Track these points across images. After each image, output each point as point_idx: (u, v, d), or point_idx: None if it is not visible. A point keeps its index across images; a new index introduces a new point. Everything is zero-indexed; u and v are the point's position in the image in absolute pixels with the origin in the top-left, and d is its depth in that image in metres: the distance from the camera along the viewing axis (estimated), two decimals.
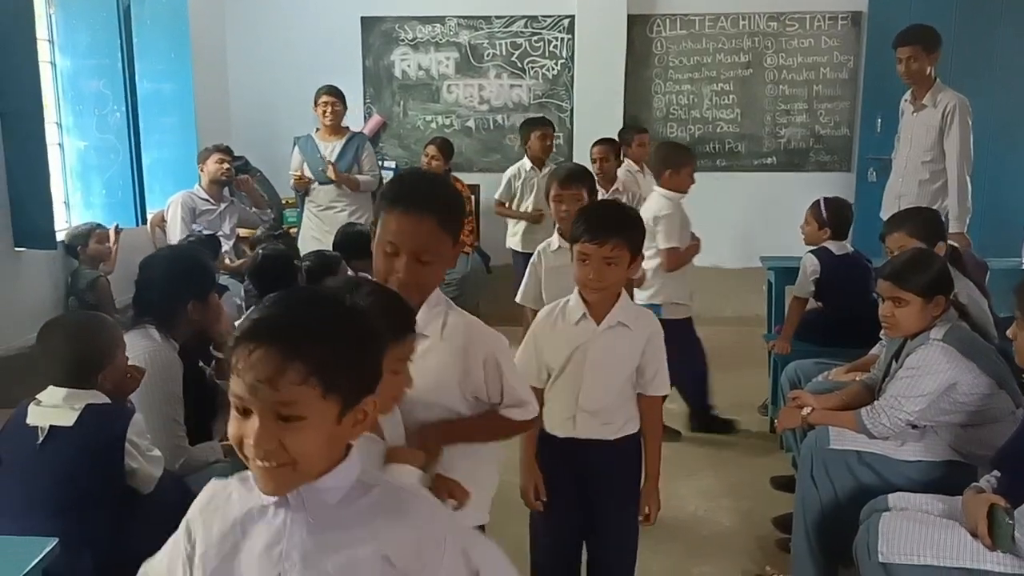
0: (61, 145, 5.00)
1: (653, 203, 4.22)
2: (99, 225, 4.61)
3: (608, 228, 2.16)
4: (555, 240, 3.33)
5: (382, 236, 1.74)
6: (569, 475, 2.31)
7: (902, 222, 3.37)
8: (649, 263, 3.97)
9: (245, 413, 1.07)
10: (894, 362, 2.82)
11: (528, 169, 5.53)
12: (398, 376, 1.51)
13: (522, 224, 5.50)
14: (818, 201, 4.18)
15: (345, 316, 1.13)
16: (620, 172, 5.66)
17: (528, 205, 5.48)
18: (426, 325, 1.75)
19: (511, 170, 5.61)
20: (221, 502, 1.19)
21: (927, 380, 2.61)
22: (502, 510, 2.10)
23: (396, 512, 1.15)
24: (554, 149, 5.86)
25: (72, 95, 5.01)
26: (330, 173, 5.20)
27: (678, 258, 4.10)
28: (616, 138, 5.85)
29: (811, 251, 4.13)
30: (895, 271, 2.74)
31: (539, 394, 2.18)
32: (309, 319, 1.09)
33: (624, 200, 4.99)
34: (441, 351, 1.76)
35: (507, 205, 5.59)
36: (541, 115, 6.17)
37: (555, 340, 2.28)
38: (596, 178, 4.31)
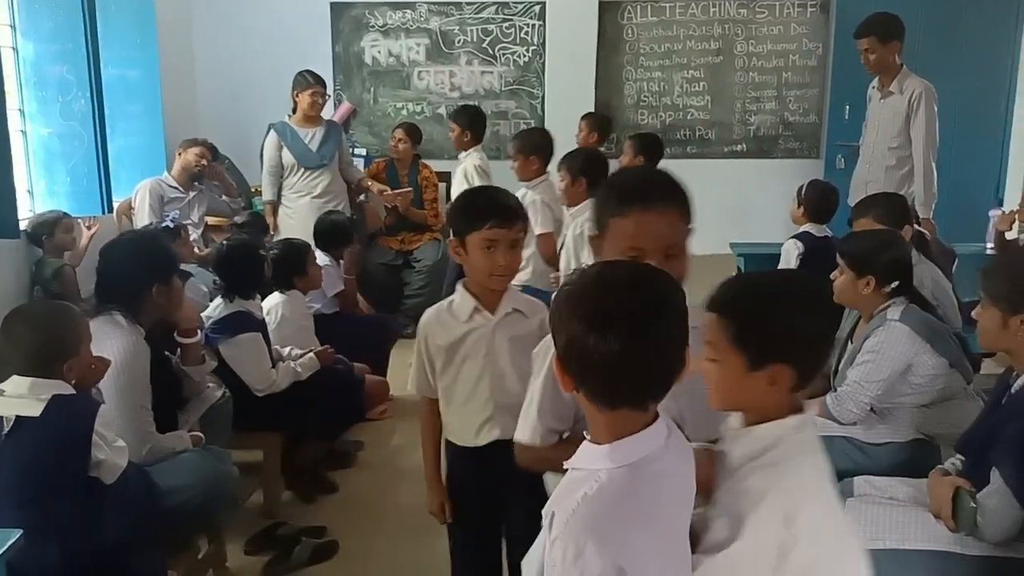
0: (24, 132, 4.91)
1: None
2: (65, 214, 4.53)
3: (517, 210, 2.07)
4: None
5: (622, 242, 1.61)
6: (483, 484, 2.13)
7: (869, 207, 3.43)
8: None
9: None
10: (849, 343, 2.87)
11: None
12: None
13: None
14: (803, 184, 4.24)
15: None
16: None
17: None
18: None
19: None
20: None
21: (886, 362, 2.66)
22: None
23: None
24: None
25: (35, 81, 4.91)
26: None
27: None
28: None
29: (793, 236, 4.16)
30: (841, 243, 2.90)
31: (433, 405, 2.17)
32: None
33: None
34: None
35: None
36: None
37: (449, 340, 2.11)
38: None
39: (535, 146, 4.41)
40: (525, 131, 5.35)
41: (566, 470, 1.27)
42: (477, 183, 4.75)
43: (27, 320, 2.25)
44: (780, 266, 4.20)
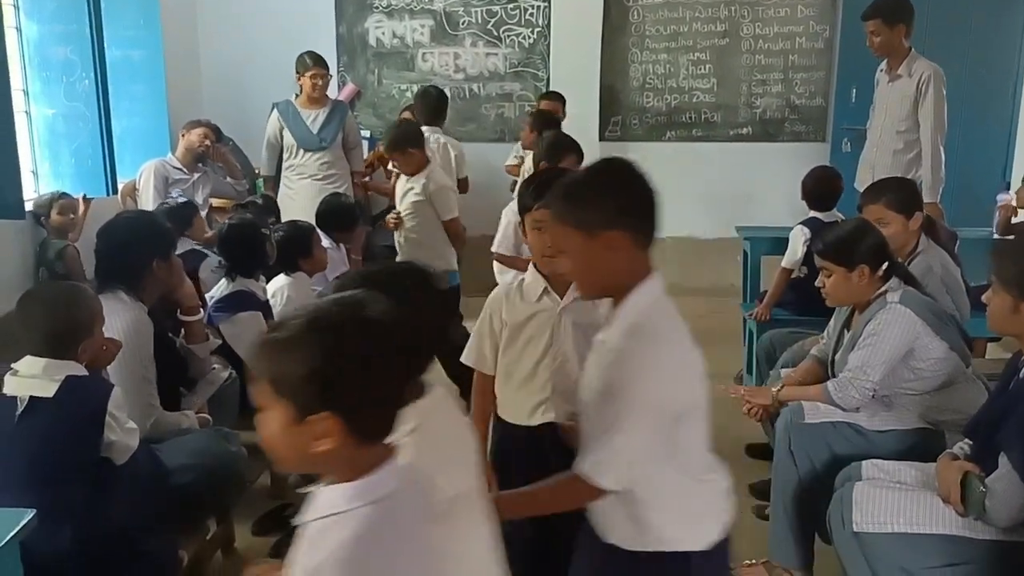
0: (28, 113, 4.90)
1: None
2: (63, 194, 4.51)
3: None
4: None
5: None
6: (531, 462, 2.09)
7: (880, 193, 3.33)
8: None
9: None
10: (845, 331, 2.87)
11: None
12: None
13: None
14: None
15: None
16: None
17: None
18: None
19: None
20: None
21: (888, 344, 2.64)
22: None
23: None
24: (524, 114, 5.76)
25: (39, 62, 4.89)
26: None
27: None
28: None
29: (800, 222, 4.16)
30: (818, 244, 2.85)
31: (489, 382, 2.19)
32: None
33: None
34: None
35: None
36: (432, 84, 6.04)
37: (516, 319, 2.13)
38: None
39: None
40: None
41: None
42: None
43: (42, 301, 2.25)
44: (787, 252, 4.20)
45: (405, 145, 4.22)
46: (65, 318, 2.20)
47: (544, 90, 6.68)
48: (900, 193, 3.31)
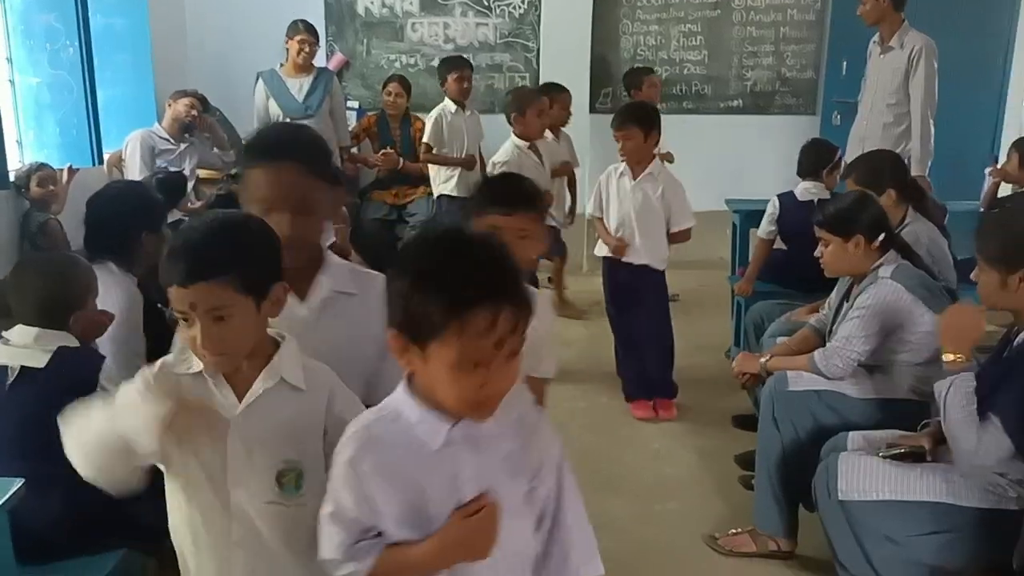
0: (12, 81, 4.84)
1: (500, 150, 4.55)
2: (42, 165, 4.43)
3: (520, 199, 2.05)
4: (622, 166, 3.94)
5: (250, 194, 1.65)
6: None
7: (850, 170, 3.53)
8: None
9: (479, 366, 1.15)
10: (844, 303, 2.89)
11: (452, 112, 5.42)
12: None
13: (457, 169, 5.42)
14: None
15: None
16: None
17: (459, 150, 5.41)
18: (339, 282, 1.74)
19: (435, 112, 5.46)
20: (381, 454, 1.25)
21: (876, 318, 2.67)
22: None
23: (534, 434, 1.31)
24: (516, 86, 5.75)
25: (22, 29, 4.82)
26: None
27: None
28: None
29: (777, 195, 4.17)
30: (817, 215, 2.88)
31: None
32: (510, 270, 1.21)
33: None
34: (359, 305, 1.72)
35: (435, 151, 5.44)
36: (459, 55, 6.01)
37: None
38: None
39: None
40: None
41: None
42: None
43: (36, 270, 2.25)
44: (761, 223, 4.23)
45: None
46: (58, 288, 2.19)
47: (535, 61, 6.66)
48: (865, 171, 3.42)
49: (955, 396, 2.17)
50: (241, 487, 1.43)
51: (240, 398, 1.43)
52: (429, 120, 5.46)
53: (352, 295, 1.72)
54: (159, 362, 1.46)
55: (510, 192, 2.07)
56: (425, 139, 5.42)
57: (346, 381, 1.51)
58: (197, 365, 1.43)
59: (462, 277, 1.15)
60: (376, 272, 1.78)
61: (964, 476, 2.24)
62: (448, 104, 5.44)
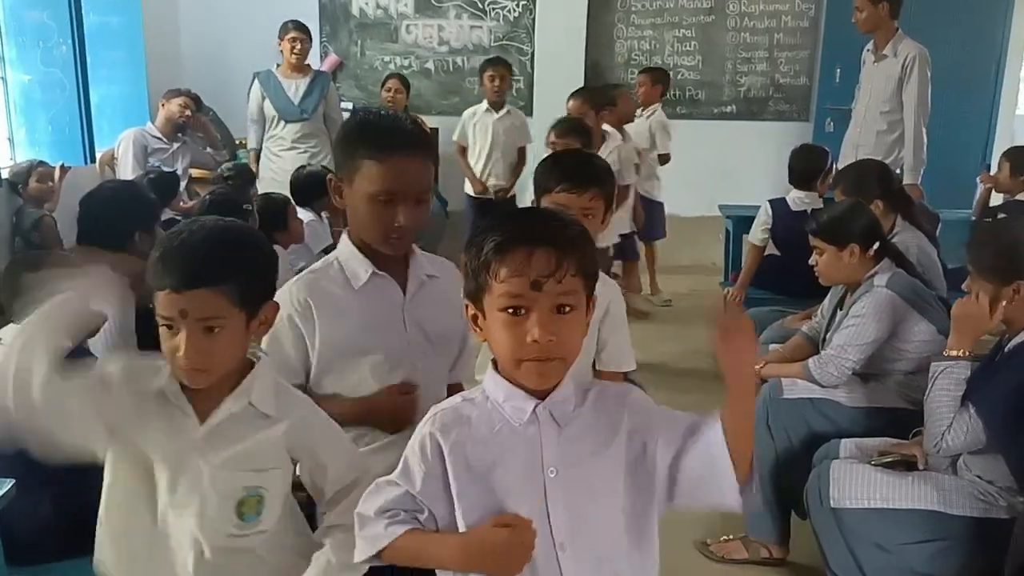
0: (4, 79, 4.82)
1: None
2: (41, 162, 4.46)
3: (588, 177, 2.04)
4: None
5: (369, 187, 1.63)
6: None
7: (837, 181, 3.57)
8: None
9: (517, 312, 1.17)
10: (838, 310, 2.89)
11: (482, 111, 5.45)
12: None
13: (480, 168, 5.44)
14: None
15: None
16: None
17: (482, 151, 5.42)
18: (431, 266, 1.79)
19: (467, 112, 5.54)
20: (465, 430, 1.24)
21: (872, 327, 2.68)
22: None
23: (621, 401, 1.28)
24: (511, 90, 5.73)
25: (15, 26, 4.81)
26: None
27: None
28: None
29: (769, 200, 4.17)
30: (811, 224, 2.88)
31: None
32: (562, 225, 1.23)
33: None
34: (445, 287, 1.76)
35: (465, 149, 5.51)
36: (497, 55, 6.04)
37: None
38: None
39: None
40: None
41: None
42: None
43: (28, 269, 2.22)
44: (751, 229, 4.23)
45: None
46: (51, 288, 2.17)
47: (529, 65, 6.66)
48: (851, 182, 3.45)
49: (945, 380, 2.22)
50: (193, 516, 1.35)
51: (202, 419, 1.36)
52: (461, 119, 5.54)
53: (436, 278, 1.77)
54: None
55: (581, 169, 2.07)
56: (454, 138, 5.50)
57: (440, 357, 1.73)
58: (160, 382, 1.36)
59: (507, 227, 1.21)
60: (442, 257, 1.88)
61: (929, 457, 2.30)
62: (482, 104, 5.45)
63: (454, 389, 1.78)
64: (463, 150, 5.50)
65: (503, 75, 5.39)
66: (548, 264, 1.16)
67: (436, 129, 6.22)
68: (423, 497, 1.23)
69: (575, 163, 2.15)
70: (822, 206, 3.93)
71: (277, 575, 1.44)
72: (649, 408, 1.29)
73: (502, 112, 5.40)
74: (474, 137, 5.44)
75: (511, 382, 1.23)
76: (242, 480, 1.35)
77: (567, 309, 1.18)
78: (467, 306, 1.25)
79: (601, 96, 5.02)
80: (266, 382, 1.41)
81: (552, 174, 2.06)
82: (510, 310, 1.17)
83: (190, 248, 1.31)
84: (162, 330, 1.32)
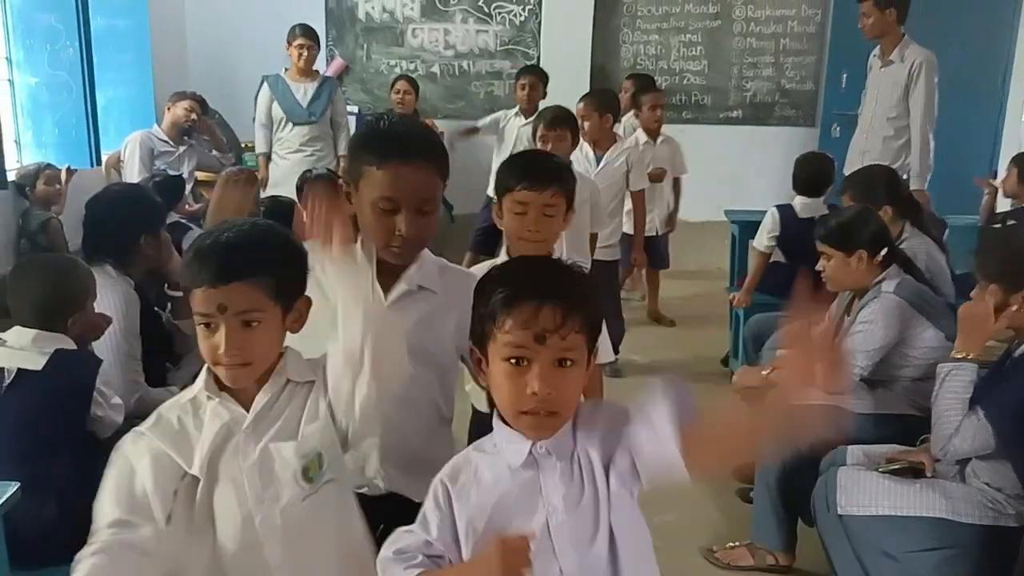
0: (11, 81, 4.82)
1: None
2: (49, 165, 4.47)
3: (548, 175, 2.04)
4: None
5: (371, 193, 1.60)
6: None
7: (845, 187, 3.56)
8: None
9: (519, 363, 1.19)
10: (846, 316, 2.88)
11: (511, 116, 5.45)
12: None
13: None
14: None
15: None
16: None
17: (504, 152, 5.41)
18: (426, 278, 1.71)
19: (502, 112, 5.58)
20: (470, 475, 1.28)
21: (880, 333, 2.66)
22: None
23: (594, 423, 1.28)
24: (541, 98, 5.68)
25: (22, 29, 4.81)
26: None
27: None
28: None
29: (776, 206, 4.16)
30: (820, 229, 2.88)
31: None
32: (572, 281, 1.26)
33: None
34: (439, 302, 1.71)
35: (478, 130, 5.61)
36: (533, 64, 6.03)
37: None
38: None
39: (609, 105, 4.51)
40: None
41: None
42: None
43: (36, 271, 2.23)
44: (757, 235, 4.22)
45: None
46: (57, 289, 2.18)
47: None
48: (859, 188, 3.45)
49: (953, 382, 2.21)
50: (265, 503, 1.35)
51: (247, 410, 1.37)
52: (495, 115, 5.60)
53: (431, 292, 1.72)
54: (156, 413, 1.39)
55: (541, 167, 2.07)
56: (479, 123, 5.60)
57: (421, 367, 1.59)
58: (192, 393, 1.37)
59: (516, 278, 1.25)
60: (470, 271, 1.85)
61: (938, 460, 2.29)
62: (514, 110, 5.47)
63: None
64: (475, 130, 5.57)
65: (534, 84, 5.40)
66: (554, 320, 1.18)
67: (442, 132, 6.23)
68: (439, 544, 1.25)
69: (535, 162, 2.16)
70: (827, 212, 3.93)
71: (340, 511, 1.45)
72: (621, 421, 1.27)
73: (531, 119, 5.40)
74: (501, 139, 5.45)
75: (511, 427, 1.26)
76: (300, 450, 1.37)
77: (568, 363, 1.20)
78: (472, 350, 1.28)
79: (607, 98, 4.99)
80: (296, 356, 1.43)
81: (512, 173, 2.06)
82: (513, 360, 1.20)
83: (224, 244, 1.33)
84: (200, 330, 1.33)
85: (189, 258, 1.33)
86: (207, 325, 1.31)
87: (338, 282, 1.33)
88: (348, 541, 1.44)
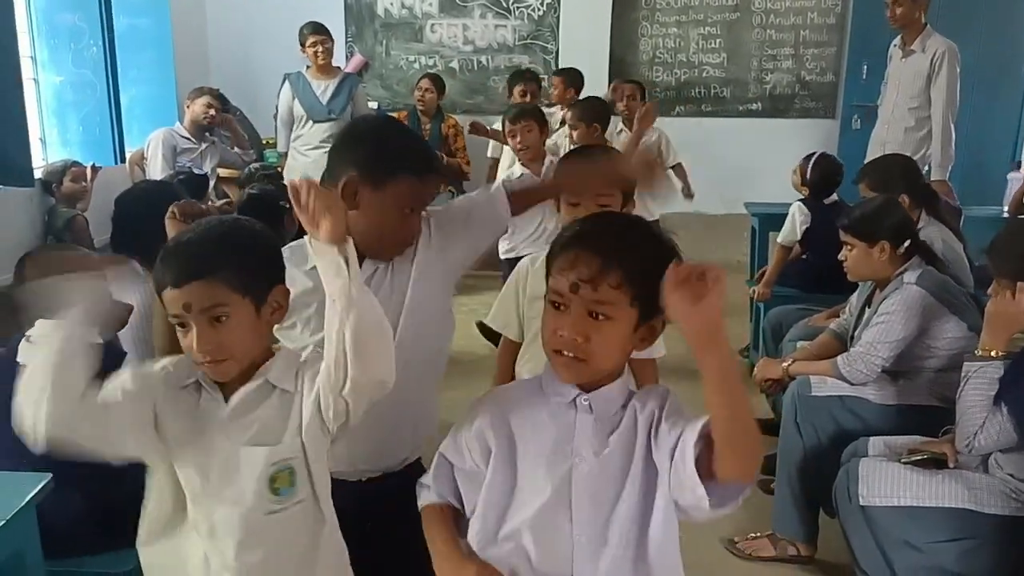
0: (36, 80, 4.89)
1: None
2: (75, 162, 4.53)
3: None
4: (517, 169, 3.78)
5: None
6: None
7: (862, 176, 3.53)
8: None
9: (557, 307, 1.26)
10: (866, 308, 2.87)
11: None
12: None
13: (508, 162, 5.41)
14: (810, 156, 4.15)
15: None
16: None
17: (511, 162, 5.39)
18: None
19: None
20: (509, 402, 1.36)
21: (901, 324, 2.65)
22: None
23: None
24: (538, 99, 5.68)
25: (47, 29, 4.88)
26: None
27: None
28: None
29: (800, 200, 4.13)
30: (843, 220, 2.86)
31: (516, 349, 2.13)
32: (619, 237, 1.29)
33: None
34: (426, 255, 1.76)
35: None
36: (526, 68, 6.03)
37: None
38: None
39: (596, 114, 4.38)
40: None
41: None
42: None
43: (37, 264, 2.25)
44: (783, 229, 4.17)
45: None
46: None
47: (553, 63, 6.66)
48: (877, 176, 3.43)
49: (979, 379, 2.19)
50: (227, 503, 1.37)
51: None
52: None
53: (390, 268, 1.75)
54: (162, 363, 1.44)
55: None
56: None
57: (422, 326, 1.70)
58: (190, 378, 1.40)
59: (580, 225, 1.33)
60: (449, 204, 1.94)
61: (960, 455, 2.28)
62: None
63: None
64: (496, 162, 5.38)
65: (534, 91, 5.38)
66: (589, 270, 1.22)
67: (462, 127, 6.25)
68: (462, 474, 1.35)
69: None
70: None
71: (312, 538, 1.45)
72: (679, 414, 1.27)
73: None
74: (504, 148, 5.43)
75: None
76: (270, 456, 1.38)
77: (600, 317, 1.23)
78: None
79: (595, 107, 4.86)
80: (286, 362, 1.43)
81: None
82: (553, 303, 1.26)
83: (183, 246, 1.37)
84: (178, 331, 1.36)
85: (157, 263, 1.37)
86: (182, 325, 1.35)
87: (321, 272, 1.33)
88: (318, 568, 1.43)
